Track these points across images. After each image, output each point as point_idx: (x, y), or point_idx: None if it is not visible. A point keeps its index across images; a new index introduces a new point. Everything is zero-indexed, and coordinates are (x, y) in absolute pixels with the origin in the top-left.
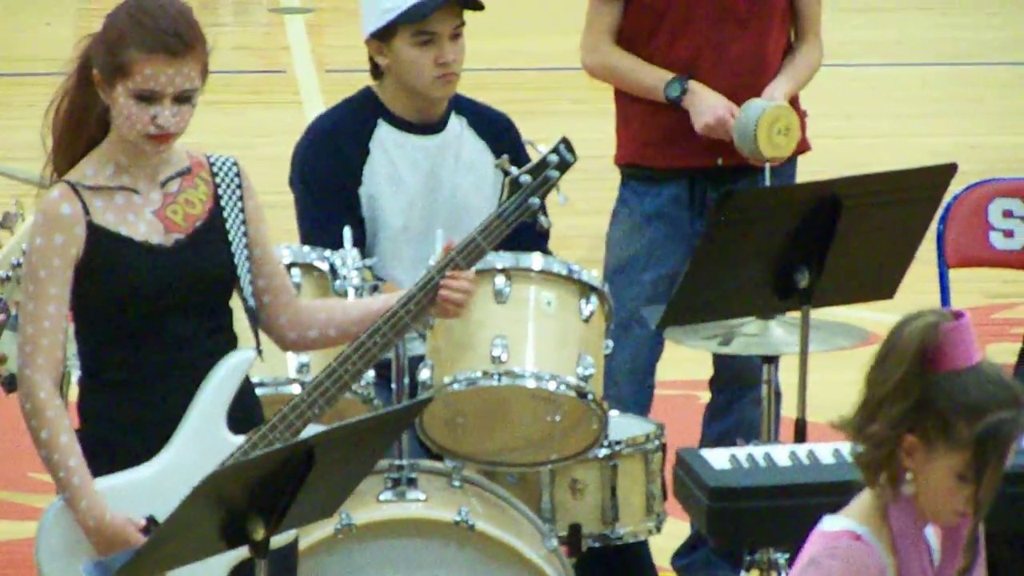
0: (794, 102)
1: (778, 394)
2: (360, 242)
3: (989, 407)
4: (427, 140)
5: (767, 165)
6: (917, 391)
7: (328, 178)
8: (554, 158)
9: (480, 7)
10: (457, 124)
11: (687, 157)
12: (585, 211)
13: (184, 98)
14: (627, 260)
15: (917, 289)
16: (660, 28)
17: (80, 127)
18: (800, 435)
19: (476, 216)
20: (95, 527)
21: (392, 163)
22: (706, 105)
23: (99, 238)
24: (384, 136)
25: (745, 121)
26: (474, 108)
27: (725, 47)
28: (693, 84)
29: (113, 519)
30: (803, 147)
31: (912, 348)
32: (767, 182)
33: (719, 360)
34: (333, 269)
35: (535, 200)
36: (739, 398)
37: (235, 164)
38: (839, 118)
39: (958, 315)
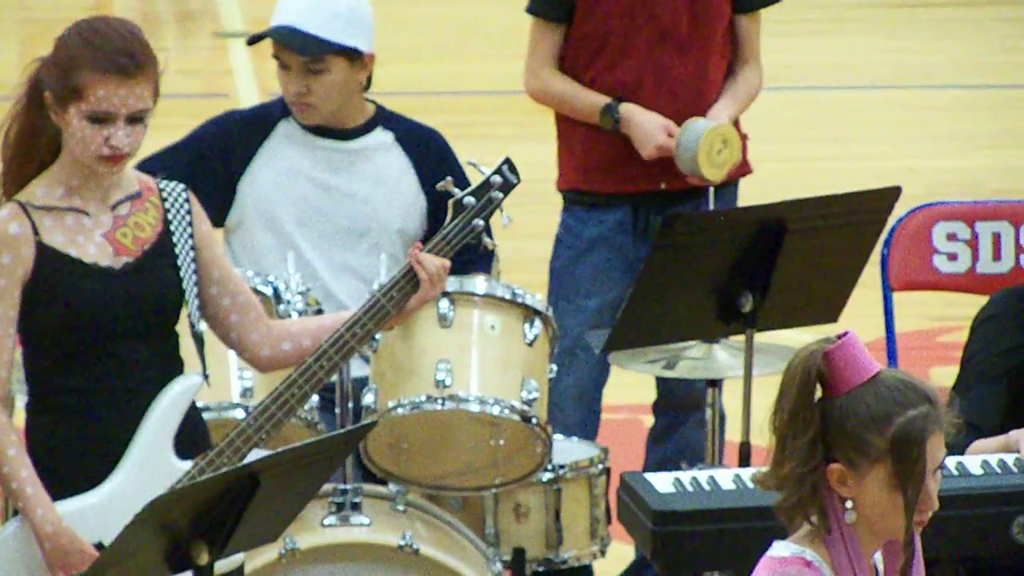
0: (735, 125)
1: (722, 417)
2: (217, 221)
3: (894, 412)
4: (334, 143)
5: (710, 188)
6: (817, 421)
7: (211, 146)
8: (497, 179)
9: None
10: (382, 136)
11: (631, 182)
12: (530, 235)
13: (137, 119)
14: (571, 286)
15: (861, 313)
16: (602, 53)
17: (31, 150)
18: (745, 458)
19: (391, 231)
20: (52, 533)
21: (286, 157)
22: (644, 133)
23: (48, 258)
24: (285, 131)
25: (685, 144)
26: (404, 124)
27: (667, 71)
28: (625, 110)
29: (70, 528)
30: (744, 170)
31: (797, 380)
32: (711, 206)
33: (662, 384)
34: (277, 293)
35: (479, 221)
36: (681, 422)
37: (185, 190)
38: (782, 142)
39: (842, 335)
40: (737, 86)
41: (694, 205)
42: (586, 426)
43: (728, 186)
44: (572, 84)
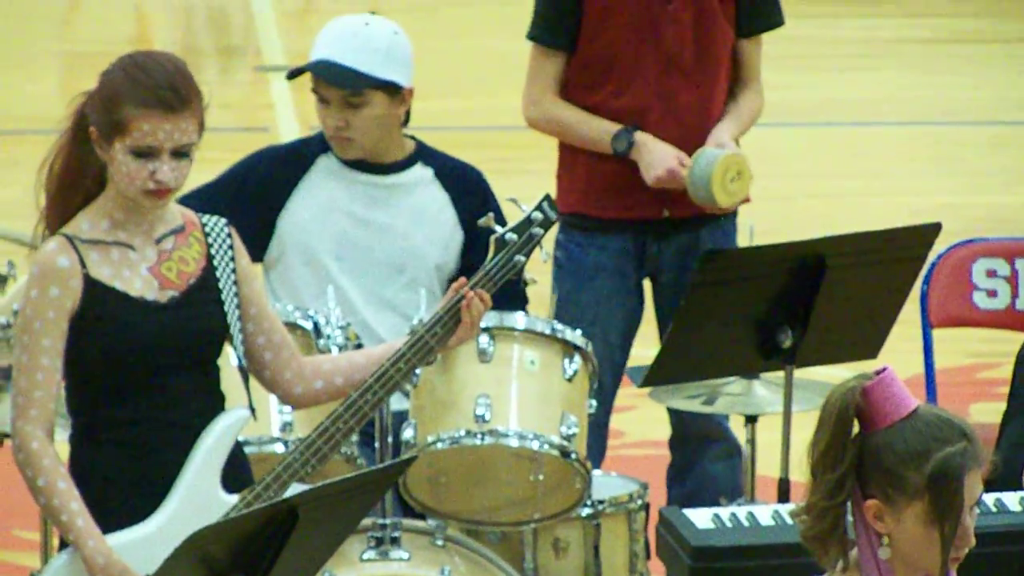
0: None
1: (740, 451)
2: (257, 256)
3: (931, 448)
4: (373, 177)
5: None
6: (851, 457)
7: (251, 181)
8: (538, 215)
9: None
10: (422, 172)
11: (633, 209)
12: None
13: (182, 153)
14: (576, 314)
15: (901, 349)
16: (607, 80)
17: (76, 185)
18: (783, 494)
19: (429, 266)
20: (104, 565)
21: (325, 192)
22: (656, 157)
23: (95, 292)
24: (325, 165)
25: (698, 172)
26: (444, 160)
27: (673, 98)
28: (639, 136)
29: (120, 559)
30: (744, 199)
31: (833, 416)
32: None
33: (676, 420)
34: (317, 328)
35: (521, 258)
36: (699, 458)
37: (227, 225)
38: (821, 177)
39: (880, 371)
40: (739, 109)
41: (692, 235)
42: (593, 454)
43: (729, 216)
44: (577, 111)
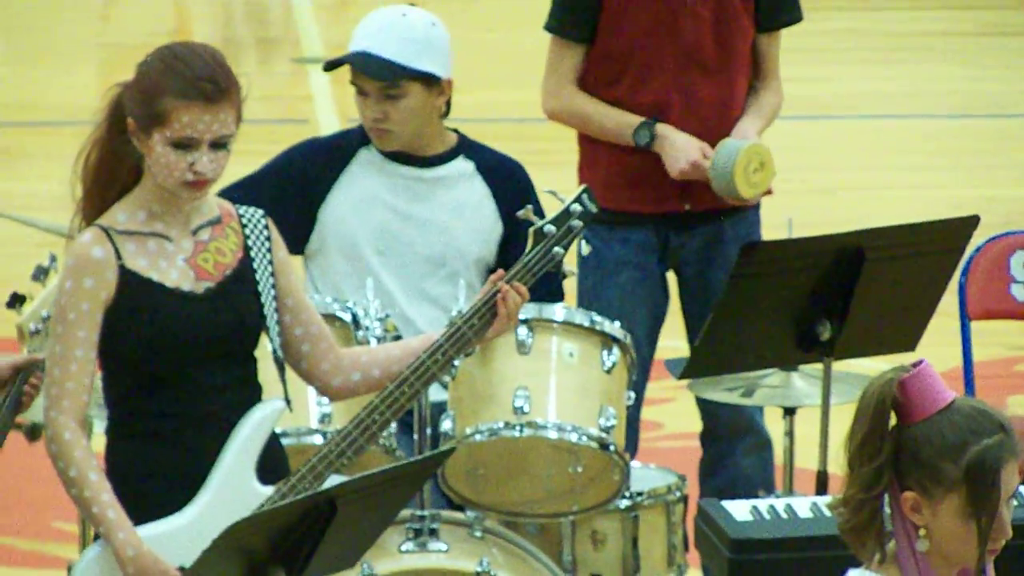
0: None
1: (770, 443)
2: (297, 249)
3: (968, 440)
4: (413, 170)
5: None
6: (888, 449)
7: (292, 174)
8: (577, 208)
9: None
10: (463, 165)
11: (654, 201)
12: None
13: (220, 144)
14: (600, 308)
15: (939, 341)
16: (625, 73)
17: (112, 177)
18: (822, 487)
19: (468, 260)
20: (134, 557)
21: (365, 185)
22: (679, 150)
23: (130, 283)
24: (366, 158)
25: (721, 163)
26: (485, 154)
27: (693, 92)
28: (661, 128)
29: (151, 551)
30: (767, 192)
31: (871, 408)
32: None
33: (706, 413)
34: (355, 319)
35: (560, 250)
36: (730, 451)
37: (264, 216)
38: (859, 169)
39: (917, 364)
40: (761, 103)
41: (713, 228)
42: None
43: (751, 208)
44: (597, 103)
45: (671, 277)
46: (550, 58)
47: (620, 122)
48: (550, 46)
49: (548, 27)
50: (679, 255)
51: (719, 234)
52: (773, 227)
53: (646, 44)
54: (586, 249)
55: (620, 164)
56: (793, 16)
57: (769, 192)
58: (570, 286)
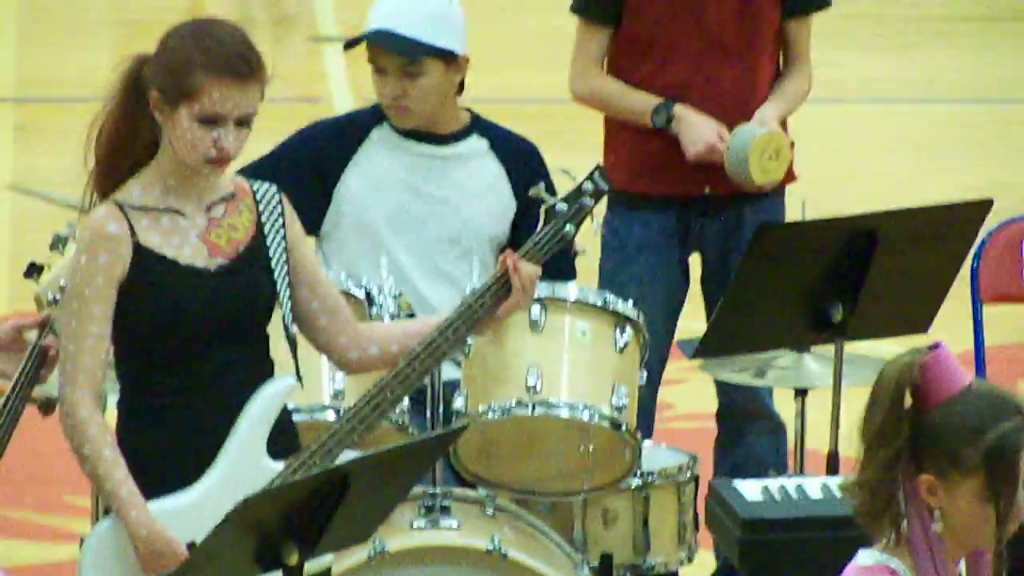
0: (782, 126)
1: (782, 427)
2: (313, 229)
3: (987, 424)
4: (429, 148)
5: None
6: (905, 432)
7: (306, 155)
8: (589, 186)
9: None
10: (477, 144)
11: (675, 185)
12: None
13: (245, 122)
14: (619, 291)
15: (950, 325)
16: (648, 56)
17: (126, 150)
18: (833, 468)
19: (483, 238)
20: (146, 536)
21: (380, 163)
22: (695, 132)
23: (144, 259)
24: (380, 136)
25: (736, 147)
26: (499, 132)
27: (715, 76)
28: (679, 109)
29: (163, 529)
30: (790, 178)
31: (889, 391)
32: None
33: (722, 393)
34: (369, 297)
35: (571, 228)
36: (746, 431)
37: (277, 192)
38: (872, 154)
39: (934, 347)
40: (785, 89)
41: (736, 211)
42: (641, 428)
43: (773, 193)
44: (620, 85)
45: (695, 260)
46: (576, 40)
47: (641, 104)
48: (577, 28)
49: (574, 8)
50: (701, 239)
51: (740, 218)
52: (787, 210)
53: (669, 27)
54: (598, 227)
55: (642, 147)
56: (822, 0)
57: (794, 179)
58: (582, 265)
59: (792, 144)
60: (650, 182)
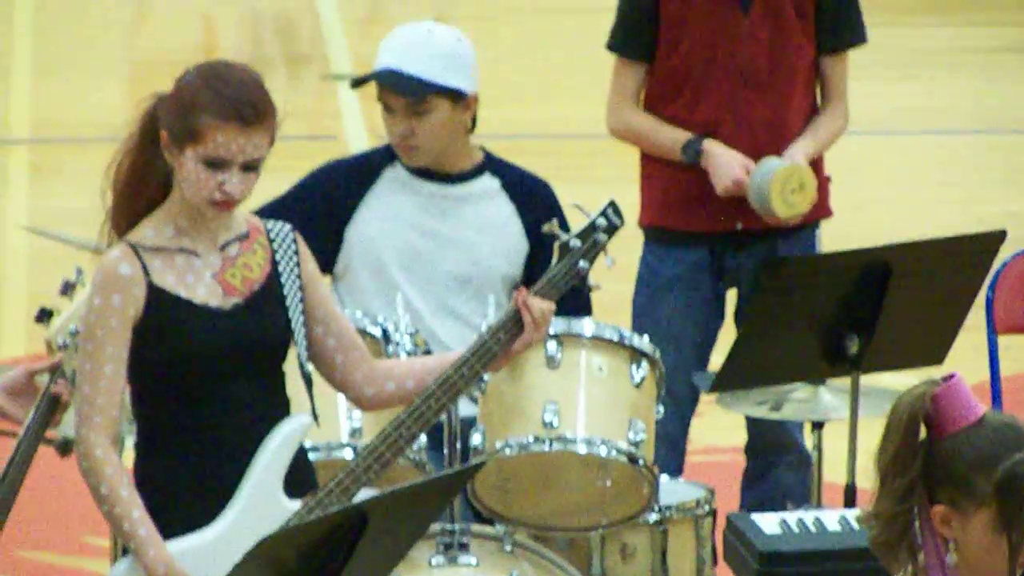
0: (818, 166)
1: (809, 461)
2: (326, 269)
3: (1000, 455)
4: (441, 187)
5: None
6: (919, 463)
7: (318, 196)
8: (602, 222)
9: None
10: (489, 183)
11: (707, 221)
12: (633, 277)
13: (251, 166)
14: (652, 326)
15: (966, 356)
16: (682, 92)
17: (141, 186)
18: (850, 500)
19: (495, 277)
20: (164, 574)
21: (392, 203)
22: (723, 166)
23: (158, 299)
24: (392, 176)
25: (759, 180)
26: (511, 171)
27: (745, 111)
28: (707, 145)
29: (182, 569)
30: (824, 213)
31: (903, 421)
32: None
33: (752, 427)
34: (385, 335)
35: (585, 264)
36: (774, 464)
37: (292, 231)
38: (885, 185)
39: (948, 378)
40: (818, 126)
41: (769, 247)
42: (671, 465)
43: (807, 228)
44: (652, 120)
45: (732, 295)
46: (613, 76)
47: (671, 138)
48: (613, 65)
49: (609, 46)
50: (735, 274)
51: (774, 253)
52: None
53: (701, 63)
54: (611, 263)
55: (674, 183)
56: (857, 36)
57: (829, 214)
58: (598, 300)
59: (829, 178)
60: (683, 217)
